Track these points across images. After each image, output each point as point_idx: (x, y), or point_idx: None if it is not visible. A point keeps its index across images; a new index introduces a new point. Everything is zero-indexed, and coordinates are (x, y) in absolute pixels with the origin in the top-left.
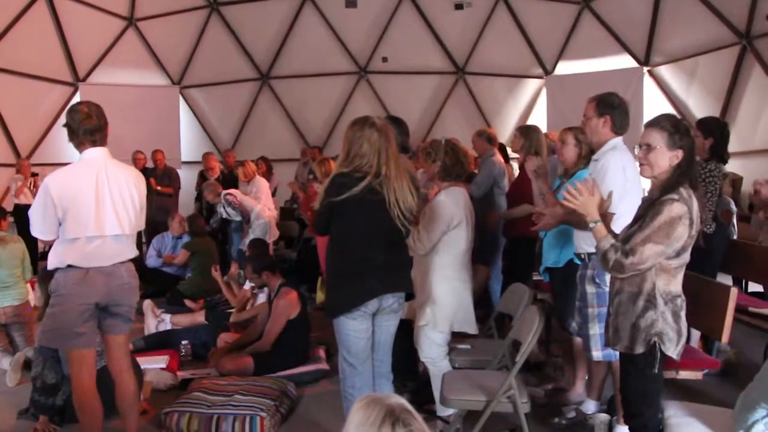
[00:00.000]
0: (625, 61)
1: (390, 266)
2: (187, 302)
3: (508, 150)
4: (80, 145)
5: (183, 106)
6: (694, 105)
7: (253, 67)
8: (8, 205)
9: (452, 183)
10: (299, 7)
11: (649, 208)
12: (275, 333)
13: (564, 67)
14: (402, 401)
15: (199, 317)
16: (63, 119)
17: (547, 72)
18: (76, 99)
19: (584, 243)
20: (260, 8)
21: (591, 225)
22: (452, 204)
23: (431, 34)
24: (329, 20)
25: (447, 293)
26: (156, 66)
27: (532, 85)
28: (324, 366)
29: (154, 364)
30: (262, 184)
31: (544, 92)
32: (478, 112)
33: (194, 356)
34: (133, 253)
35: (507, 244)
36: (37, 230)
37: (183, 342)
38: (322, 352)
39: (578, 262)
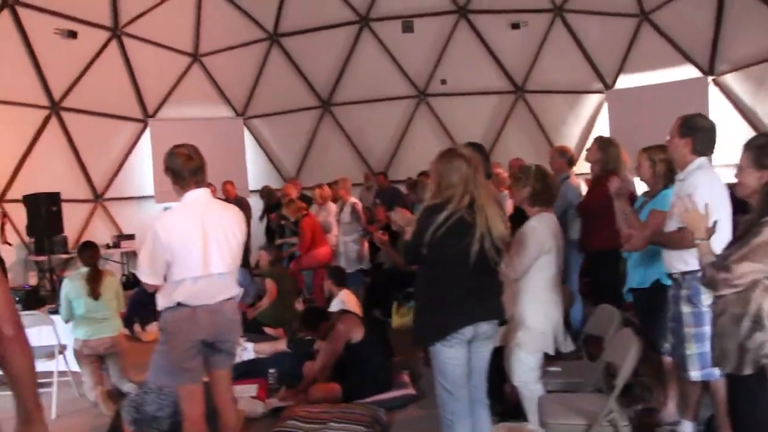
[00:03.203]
0: (689, 72)
1: (482, 294)
2: (268, 330)
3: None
4: (185, 187)
5: (248, 137)
6: (764, 113)
7: (314, 95)
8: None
9: (542, 208)
10: (357, 34)
11: (750, 228)
12: (330, 358)
13: (625, 81)
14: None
15: (281, 345)
16: (136, 155)
17: (608, 86)
18: (146, 135)
19: (677, 262)
20: (319, 37)
21: (697, 242)
22: (544, 230)
23: (489, 55)
24: (387, 46)
25: (539, 316)
26: (221, 99)
27: (592, 100)
28: (411, 391)
29: (244, 392)
30: (333, 209)
31: (605, 107)
32: (539, 130)
33: (281, 384)
34: (236, 289)
35: (584, 263)
36: (145, 275)
37: (270, 370)
38: (406, 377)
39: (666, 283)
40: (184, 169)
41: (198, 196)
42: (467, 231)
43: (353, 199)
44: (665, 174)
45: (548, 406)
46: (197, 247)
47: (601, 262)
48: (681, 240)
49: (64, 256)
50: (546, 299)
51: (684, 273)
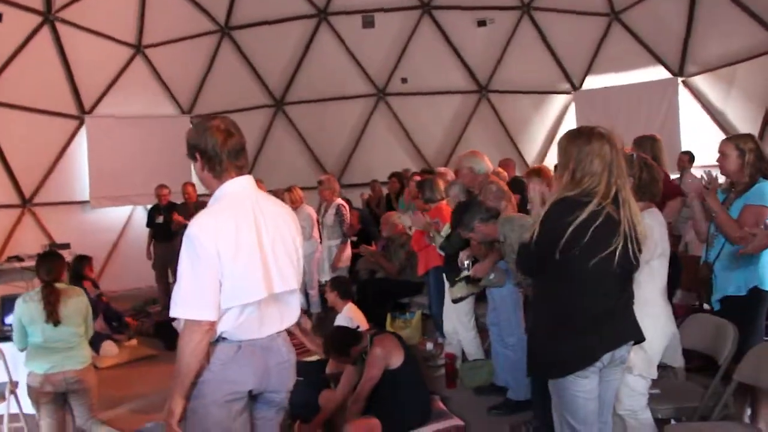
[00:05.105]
0: (658, 73)
1: (623, 309)
2: None
3: None
4: (222, 174)
5: None
6: (734, 115)
7: (267, 93)
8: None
9: (647, 204)
10: (314, 29)
11: None
12: (367, 387)
13: (593, 82)
14: None
15: None
16: (69, 155)
17: (575, 87)
18: (82, 133)
19: None
20: (274, 31)
21: None
22: (658, 229)
23: (452, 53)
24: (346, 42)
25: (655, 333)
26: (165, 95)
27: (559, 101)
28: (457, 421)
29: None
30: (311, 211)
31: (572, 108)
32: (503, 131)
33: (294, 419)
34: (297, 315)
35: None
36: (191, 309)
37: None
38: (441, 404)
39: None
40: (221, 149)
41: (243, 185)
42: (615, 231)
43: (340, 201)
44: (754, 164)
45: None
46: (254, 260)
47: None
48: None
49: None
50: (660, 312)
51: None
